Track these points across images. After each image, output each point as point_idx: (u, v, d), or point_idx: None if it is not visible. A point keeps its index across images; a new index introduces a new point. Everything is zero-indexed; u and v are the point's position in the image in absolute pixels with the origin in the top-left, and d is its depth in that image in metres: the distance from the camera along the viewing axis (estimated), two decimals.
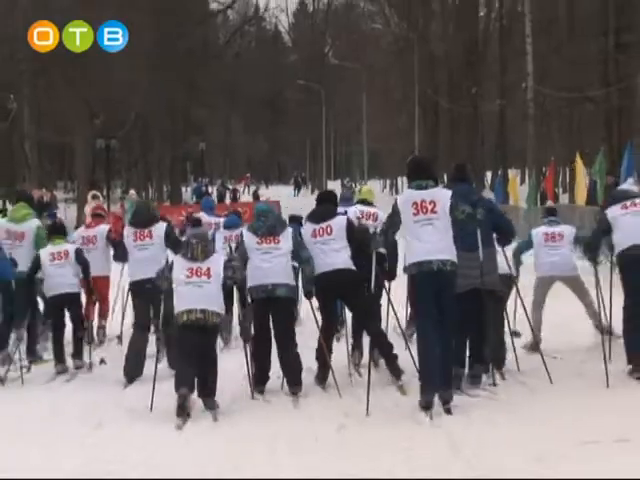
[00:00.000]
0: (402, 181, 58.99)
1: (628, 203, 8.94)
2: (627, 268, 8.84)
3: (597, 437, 6.46)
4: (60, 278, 10.16)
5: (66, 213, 35.46)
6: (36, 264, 10.23)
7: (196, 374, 8.05)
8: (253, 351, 8.86)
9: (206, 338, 8.25)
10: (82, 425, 7.79)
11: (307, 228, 9.12)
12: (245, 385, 8.77)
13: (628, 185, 11.04)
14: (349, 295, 8.89)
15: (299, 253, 8.89)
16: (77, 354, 10.11)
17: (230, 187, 53.57)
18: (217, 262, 8.44)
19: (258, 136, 71.84)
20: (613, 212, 8.99)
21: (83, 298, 10.74)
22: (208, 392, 8.13)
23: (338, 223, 8.92)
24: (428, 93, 44.46)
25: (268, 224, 8.91)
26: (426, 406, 7.39)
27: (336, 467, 6.31)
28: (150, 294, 9.33)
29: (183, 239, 9.43)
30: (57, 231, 10.92)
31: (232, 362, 9.19)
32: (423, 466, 6.22)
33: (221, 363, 8.47)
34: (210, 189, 51.12)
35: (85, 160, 42.16)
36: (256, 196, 47.30)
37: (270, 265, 8.71)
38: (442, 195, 7.82)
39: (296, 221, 11.44)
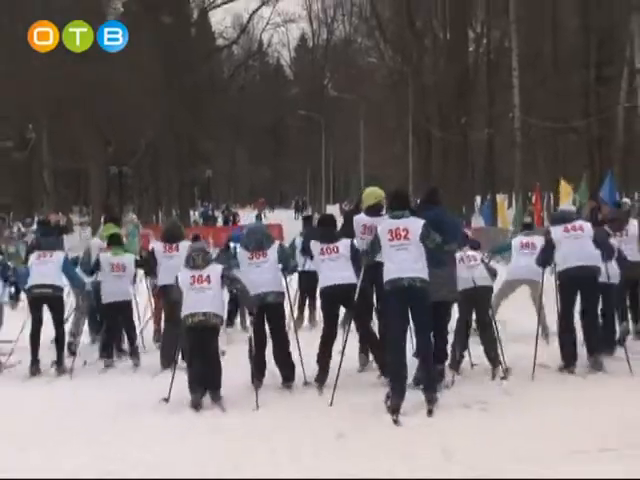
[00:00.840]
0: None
1: (569, 226, 9.60)
2: (563, 285, 9.60)
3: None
4: (117, 287, 10.97)
5: (81, 235, 35.61)
6: (97, 266, 11.06)
7: (203, 371, 8.67)
8: (250, 350, 9.30)
9: (208, 337, 8.81)
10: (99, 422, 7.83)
11: (315, 246, 9.54)
12: (247, 389, 9.05)
13: (567, 206, 12.06)
14: (349, 305, 9.16)
15: (286, 264, 9.75)
16: (134, 354, 10.85)
17: (233, 211, 53.72)
18: (216, 269, 9.05)
19: (261, 163, 72.01)
20: (556, 233, 9.66)
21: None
22: (214, 386, 8.66)
23: (344, 245, 9.41)
24: (421, 123, 44.50)
25: (257, 241, 9.59)
26: (394, 409, 7.73)
27: (336, 467, 6.16)
28: None
29: None
30: (117, 242, 11.67)
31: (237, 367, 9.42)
32: (422, 466, 6.15)
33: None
34: (216, 213, 51.31)
35: (99, 186, 42.38)
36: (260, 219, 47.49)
37: (260, 276, 9.35)
38: (415, 224, 8.33)
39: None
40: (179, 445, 6.97)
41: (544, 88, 40.03)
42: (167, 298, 10.31)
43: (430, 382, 8.12)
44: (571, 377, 9.04)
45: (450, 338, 9.31)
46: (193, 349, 8.85)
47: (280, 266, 9.71)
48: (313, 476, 6.00)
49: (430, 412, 7.80)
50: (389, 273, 8.31)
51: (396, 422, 7.47)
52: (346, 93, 54.46)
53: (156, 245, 11.23)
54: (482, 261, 10.08)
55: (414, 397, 7.98)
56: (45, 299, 10.82)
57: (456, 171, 43.73)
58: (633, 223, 11.62)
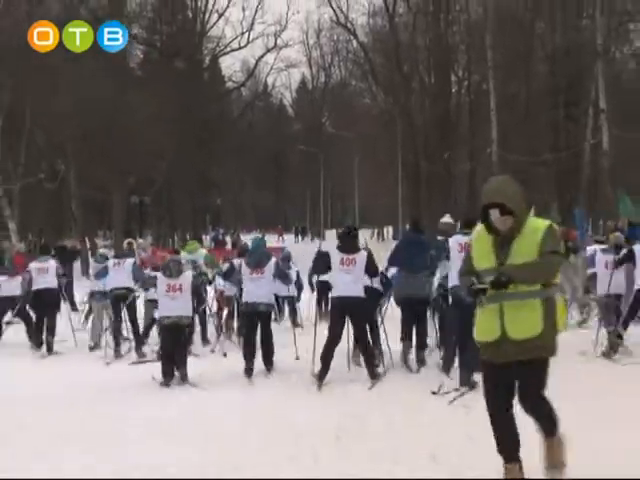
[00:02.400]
0: (387, 230, 59.44)
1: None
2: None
3: None
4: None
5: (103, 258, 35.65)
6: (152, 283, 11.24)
7: (174, 360, 9.78)
8: (244, 345, 10.60)
9: (179, 334, 9.92)
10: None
11: (336, 255, 9.83)
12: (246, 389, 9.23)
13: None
14: (354, 315, 9.63)
15: (282, 280, 11.09)
16: (182, 366, 10.60)
17: (237, 234, 53.79)
18: (187, 278, 9.98)
19: (265, 192, 72.05)
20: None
21: None
22: (182, 366, 9.75)
23: (361, 257, 9.75)
24: (410, 157, 44.69)
25: (256, 260, 10.53)
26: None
27: (335, 467, 5.79)
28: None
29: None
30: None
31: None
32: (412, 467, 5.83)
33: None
34: (226, 237, 51.40)
35: (121, 213, 42.43)
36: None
37: (257, 289, 10.39)
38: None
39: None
40: (179, 446, 6.48)
41: (519, 126, 40.36)
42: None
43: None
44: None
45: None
46: (165, 344, 9.98)
47: (275, 281, 10.80)
48: (313, 476, 5.58)
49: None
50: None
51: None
52: (342, 130, 54.60)
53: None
54: None
55: (409, 398, 7.95)
56: None
57: (441, 199, 43.86)
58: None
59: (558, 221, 24.98)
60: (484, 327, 4.79)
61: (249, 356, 10.23)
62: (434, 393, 8.26)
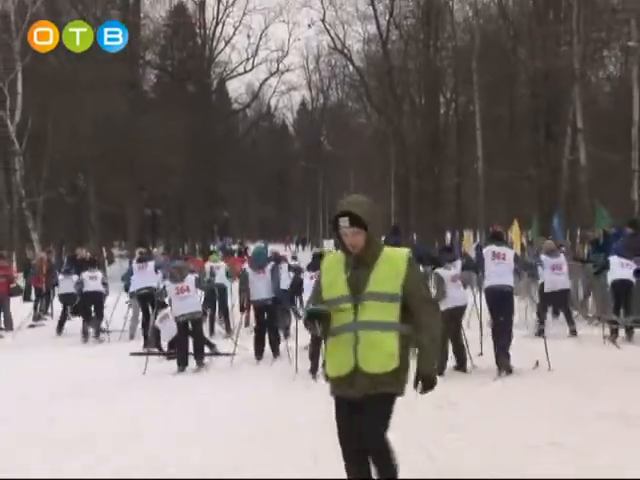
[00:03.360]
0: (380, 240, 59.40)
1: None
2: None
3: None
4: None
5: (121, 265, 35.79)
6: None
7: (189, 350, 10.63)
8: (256, 336, 11.63)
9: (193, 326, 10.71)
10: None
11: (307, 274, 11.63)
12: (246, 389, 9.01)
13: (549, 242, 12.54)
14: None
15: (276, 282, 11.79)
16: (200, 356, 11.12)
17: (245, 245, 53.78)
18: (190, 280, 10.77)
19: (269, 205, 72.06)
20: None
21: None
22: (199, 356, 10.63)
23: None
24: (401, 173, 44.78)
25: (258, 264, 11.67)
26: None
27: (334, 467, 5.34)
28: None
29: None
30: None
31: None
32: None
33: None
34: (234, 246, 51.41)
35: (135, 225, 42.50)
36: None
37: (262, 287, 11.51)
38: (509, 252, 10.03)
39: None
40: (179, 446, 6.16)
41: (502, 144, 40.54)
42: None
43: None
44: (530, 379, 8.70)
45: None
46: (181, 337, 10.65)
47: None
48: (313, 476, 5.19)
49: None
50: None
51: None
52: (339, 148, 54.89)
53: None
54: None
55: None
56: None
57: (430, 212, 44.01)
58: None
59: (538, 233, 25.12)
60: (336, 360, 3.98)
61: (260, 341, 11.48)
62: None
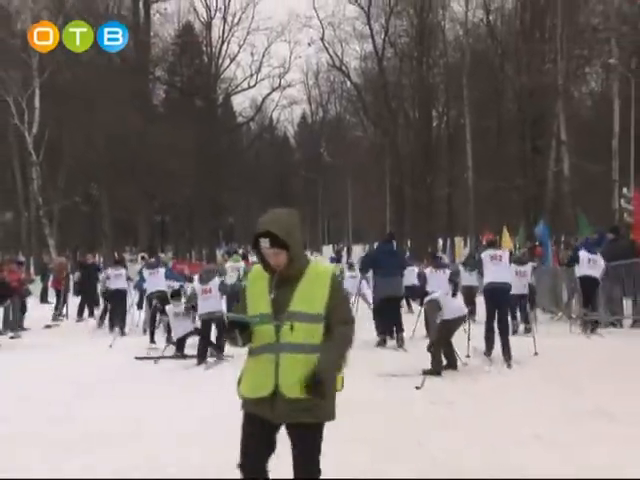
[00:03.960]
0: (375, 245, 59.37)
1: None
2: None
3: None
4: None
5: (132, 269, 35.78)
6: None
7: (208, 345, 10.83)
8: None
9: (215, 323, 10.90)
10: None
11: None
12: None
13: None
14: None
15: None
16: (220, 351, 11.20)
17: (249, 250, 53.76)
18: (215, 283, 11.12)
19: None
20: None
21: None
22: (217, 349, 10.90)
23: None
24: (396, 182, 44.76)
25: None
26: None
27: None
28: None
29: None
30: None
31: None
32: (398, 455, 5.61)
33: None
34: (239, 251, 51.39)
35: (146, 231, 42.56)
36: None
37: None
38: (505, 254, 10.71)
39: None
40: (179, 446, 5.82)
41: (491, 156, 40.63)
42: None
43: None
44: (516, 380, 8.51)
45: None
46: (204, 332, 10.89)
47: None
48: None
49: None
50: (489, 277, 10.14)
51: None
52: (337, 159, 54.83)
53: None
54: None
55: (397, 389, 7.71)
56: None
57: (423, 220, 44.03)
58: None
59: (525, 239, 25.19)
60: (255, 381, 3.50)
61: None
62: (417, 388, 8.13)
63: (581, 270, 12.60)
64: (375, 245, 16.72)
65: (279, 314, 3.45)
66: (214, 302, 11.13)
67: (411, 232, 45.63)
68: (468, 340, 10.09)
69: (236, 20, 48.94)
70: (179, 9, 48.52)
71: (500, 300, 10.02)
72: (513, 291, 11.16)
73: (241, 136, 60.00)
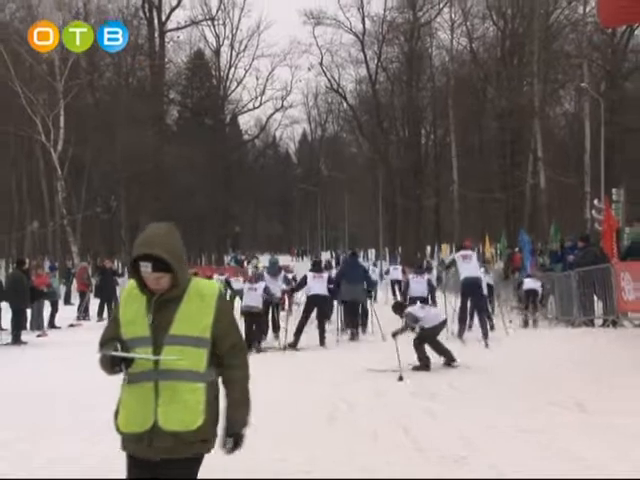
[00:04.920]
0: (370, 252, 59.56)
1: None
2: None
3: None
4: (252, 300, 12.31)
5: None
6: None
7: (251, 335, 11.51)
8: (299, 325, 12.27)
9: (257, 316, 12.00)
10: None
11: (310, 274, 12.82)
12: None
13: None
14: (320, 306, 12.58)
15: (288, 284, 14.60)
16: (258, 344, 11.84)
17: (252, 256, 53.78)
18: (261, 286, 12.33)
19: (274, 222, 72.05)
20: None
21: None
22: (255, 341, 11.63)
23: (326, 274, 13.06)
24: (388, 194, 44.80)
25: (274, 270, 13.74)
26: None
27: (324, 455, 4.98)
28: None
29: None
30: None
31: None
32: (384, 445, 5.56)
33: None
34: (243, 257, 51.47)
35: None
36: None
37: (277, 287, 13.41)
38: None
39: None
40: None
41: (475, 170, 40.74)
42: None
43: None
44: (496, 375, 8.39)
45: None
46: (248, 322, 11.62)
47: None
48: (309, 471, 4.65)
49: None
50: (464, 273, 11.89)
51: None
52: (335, 173, 54.88)
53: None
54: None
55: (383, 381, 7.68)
56: None
57: (413, 228, 44.16)
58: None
59: (506, 246, 25.27)
60: (132, 414, 2.85)
61: (299, 331, 12.10)
62: (400, 379, 8.16)
63: (527, 285, 15.04)
64: (342, 258, 18.96)
65: (159, 338, 2.80)
66: (255, 299, 12.08)
67: (402, 239, 45.72)
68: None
69: (242, 47, 49.21)
70: (191, 37, 48.78)
71: (474, 291, 11.83)
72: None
73: (247, 152, 60.07)
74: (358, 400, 7.05)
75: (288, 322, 12.55)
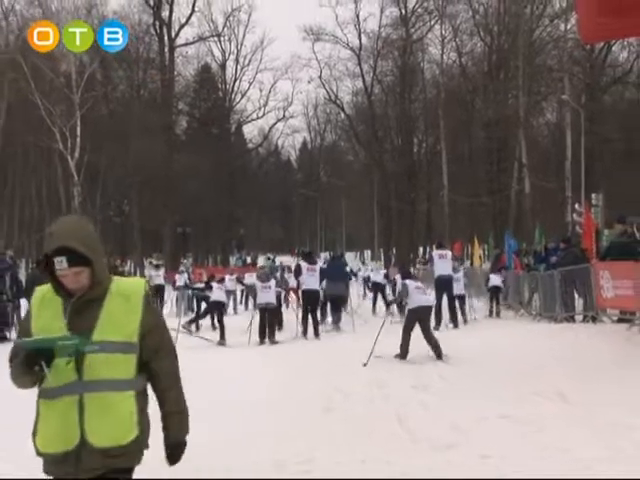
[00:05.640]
0: (367, 253, 59.63)
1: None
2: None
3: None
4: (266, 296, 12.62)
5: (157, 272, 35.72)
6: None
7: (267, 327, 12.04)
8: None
9: (271, 311, 12.27)
10: None
11: (304, 265, 13.05)
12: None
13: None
14: (312, 300, 12.78)
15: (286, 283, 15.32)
16: (272, 336, 12.19)
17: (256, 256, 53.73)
18: (272, 282, 12.70)
19: (276, 225, 72.03)
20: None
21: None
22: (271, 335, 12.02)
23: (318, 267, 13.24)
24: (383, 198, 44.93)
25: (279, 271, 14.66)
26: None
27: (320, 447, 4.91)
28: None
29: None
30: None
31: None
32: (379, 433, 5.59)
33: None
34: (248, 258, 51.44)
35: (169, 241, 42.56)
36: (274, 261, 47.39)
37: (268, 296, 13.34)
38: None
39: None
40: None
41: (464, 176, 40.77)
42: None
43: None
44: (485, 368, 8.30)
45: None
46: (262, 317, 12.13)
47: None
48: (307, 467, 4.54)
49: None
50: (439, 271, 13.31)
51: None
52: (333, 179, 54.93)
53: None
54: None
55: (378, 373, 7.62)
56: None
57: (406, 230, 44.16)
58: None
59: (493, 246, 25.26)
60: (54, 432, 2.36)
61: (304, 325, 12.63)
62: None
63: (492, 282, 16.08)
64: (326, 259, 20.85)
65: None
66: (270, 296, 12.38)
67: (396, 241, 45.71)
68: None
69: (247, 62, 49.19)
70: (199, 52, 48.79)
71: (447, 287, 13.15)
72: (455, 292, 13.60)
73: (251, 160, 60.00)
74: (354, 389, 7.10)
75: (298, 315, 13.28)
